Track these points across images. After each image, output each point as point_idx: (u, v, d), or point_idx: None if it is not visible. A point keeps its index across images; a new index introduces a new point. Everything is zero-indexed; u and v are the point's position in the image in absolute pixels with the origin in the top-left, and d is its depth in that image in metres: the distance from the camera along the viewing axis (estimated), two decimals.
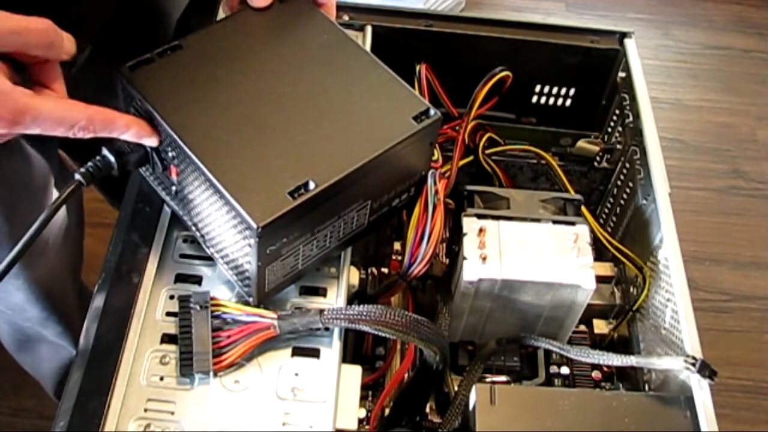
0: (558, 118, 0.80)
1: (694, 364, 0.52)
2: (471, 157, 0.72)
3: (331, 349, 0.54)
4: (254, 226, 0.46)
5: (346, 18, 0.73)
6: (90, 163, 0.53)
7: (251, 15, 0.60)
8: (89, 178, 0.53)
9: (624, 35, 0.75)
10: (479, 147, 0.72)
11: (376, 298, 0.62)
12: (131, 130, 0.50)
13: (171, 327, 0.54)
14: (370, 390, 0.65)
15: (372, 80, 0.56)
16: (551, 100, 0.79)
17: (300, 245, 0.51)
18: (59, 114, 0.46)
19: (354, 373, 0.54)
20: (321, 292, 0.57)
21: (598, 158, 0.77)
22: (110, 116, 0.49)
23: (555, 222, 0.61)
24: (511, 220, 0.60)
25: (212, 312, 0.53)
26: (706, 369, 0.52)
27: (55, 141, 0.76)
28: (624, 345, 0.67)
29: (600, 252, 0.69)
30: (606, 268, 0.68)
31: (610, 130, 0.78)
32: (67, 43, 0.47)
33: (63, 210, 0.53)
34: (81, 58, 0.63)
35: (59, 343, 0.88)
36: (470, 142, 0.72)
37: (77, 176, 0.52)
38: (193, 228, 0.56)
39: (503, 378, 0.64)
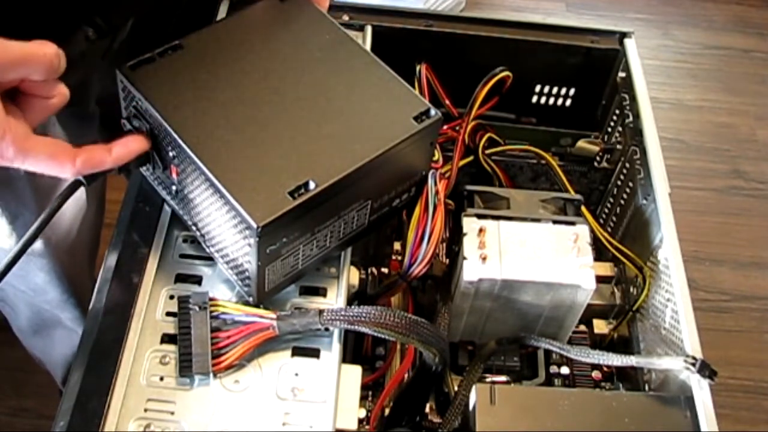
0: (558, 118, 0.80)
1: (694, 364, 0.52)
2: (471, 157, 0.72)
3: (331, 349, 0.54)
4: (254, 225, 0.46)
5: (346, 18, 0.73)
6: None
7: (251, 15, 0.60)
8: (90, 177, 0.53)
9: (624, 35, 0.75)
10: (479, 147, 0.72)
11: (376, 298, 0.62)
12: (122, 160, 0.51)
13: (171, 327, 0.54)
14: (370, 390, 0.64)
15: (373, 80, 0.56)
16: (551, 100, 0.79)
17: (300, 245, 0.51)
18: (47, 159, 0.46)
19: (354, 373, 0.54)
20: (321, 292, 0.57)
21: (598, 158, 0.77)
22: (97, 160, 0.49)
23: (555, 222, 0.61)
24: (511, 220, 0.60)
25: (211, 312, 0.53)
26: (706, 369, 0.52)
27: (94, 122, 0.76)
28: (624, 345, 0.67)
29: (600, 252, 0.69)
30: (606, 268, 0.68)
31: (610, 130, 0.78)
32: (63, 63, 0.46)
33: (82, 193, 0.53)
34: (122, 33, 0.63)
35: (74, 329, 0.88)
36: (470, 142, 0.72)
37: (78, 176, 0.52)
38: (193, 227, 0.56)
39: (503, 378, 0.64)
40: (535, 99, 0.79)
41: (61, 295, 0.81)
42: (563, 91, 0.79)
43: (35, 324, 0.90)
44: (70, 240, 0.78)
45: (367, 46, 0.71)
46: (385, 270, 0.69)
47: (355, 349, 0.66)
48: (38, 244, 0.73)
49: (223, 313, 0.53)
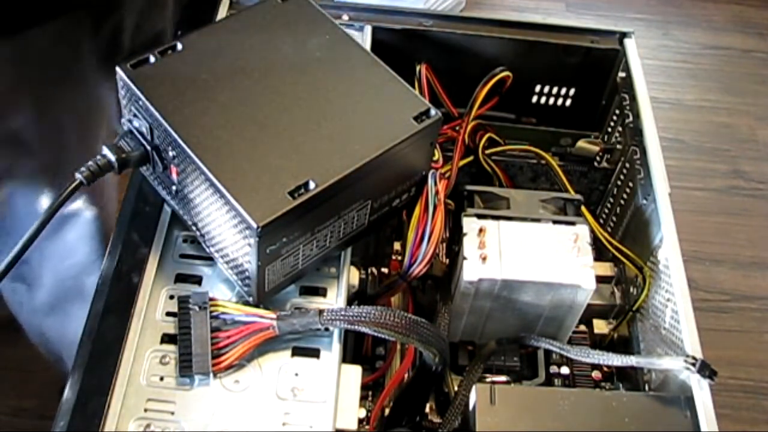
0: (558, 118, 0.80)
1: (694, 364, 0.52)
2: (471, 157, 0.72)
3: (331, 349, 0.54)
4: (254, 225, 0.46)
5: (346, 18, 0.73)
6: (90, 162, 0.53)
7: (251, 15, 0.60)
8: (90, 177, 0.53)
9: (624, 35, 0.75)
10: (479, 147, 0.72)
11: (376, 298, 0.62)
12: None
13: (171, 327, 0.54)
14: (370, 390, 0.64)
15: (372, 80, 0.56)
16: (551, 100, 0.79)
17: (300, 245, 0.51)
18: None
19: (354, 373, 0.54)
20: (321, 292, 0.57)
21: (598, 158, 0.77)
22: None
23: (555, 222, 0.61)
24: (511, 220, 0.60)
25: (211, 312, 0.53)
26: (706, 369, 0.52)
27: None
28: (624, 345, 0.67)
29: (600, 252, 0.69)
30: (606, 268, 0.68)
31: (610, 130, 0.78)
32: None
33: None
34: None
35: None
36: (470, 142, 0.72)
37: (78, 175, 0.53)
38: (193, 227, 0.56)
39: (503, 378, 0.64)
40: (535, 99, 0.79)
41: (89, 255, 0.82)
42: (563, 91, 0.78)
43: (54, 298, 0.89)
44: (106, 196, 0.78)
45: (367, 46, 0.71)
46: (385, 270, 0.69)
47: (355, 349, 0.66)
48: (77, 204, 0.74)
49: (223, 313, 0.53)
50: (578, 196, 0.64)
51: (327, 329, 0.54)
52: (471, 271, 0.57)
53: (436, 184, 0.57)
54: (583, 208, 0.63)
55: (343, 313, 0.52)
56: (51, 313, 0.93)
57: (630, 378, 0.65)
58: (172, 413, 0.50)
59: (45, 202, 0.72)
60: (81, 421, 0.49)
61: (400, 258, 0.70)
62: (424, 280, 0.68)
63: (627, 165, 0.72)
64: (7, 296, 0.92)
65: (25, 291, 0.89)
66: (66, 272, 0.85)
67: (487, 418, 0.51)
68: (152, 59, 0.54)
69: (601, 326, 0.68)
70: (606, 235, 0.66)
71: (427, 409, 0.62)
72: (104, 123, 0.75)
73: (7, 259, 0.50)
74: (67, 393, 0.50)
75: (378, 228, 0.59)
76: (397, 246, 0.72)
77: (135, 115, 0.54)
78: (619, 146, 0.75)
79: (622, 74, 0.75)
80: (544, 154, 0.73)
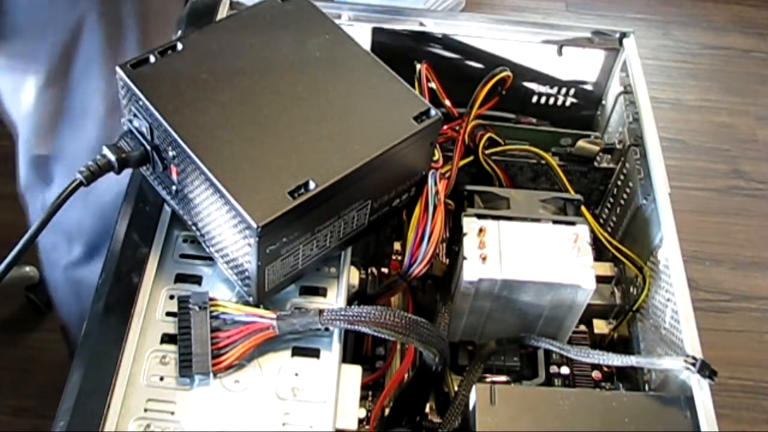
0: (558, 118, 0.80)
1: (694, 364, 0.52)
2: (471, 157, 0.72)
3: (331, 349, 0.54)
4: (254, 225, 0.46)
5: (346, 18, 0.73)
6: (90, 162, 0.53)
7: (251, 15, 0.60)
8: (90, 177, 0.53)
9: (624, 35, 0.76)
10: (479, 147, 0.72)
11: (376, 298, 0.62)
12: None
13: (171, 327, 0.54)
14: (370, 390, 0.64)
15: (372, 80, 0.56)
16: (551, 100, 0.79)
17: (300, 245, 0.52)
18: None
19: (354, 373, 0.54)
20: (321, 292, 0.57)
21: (598, 158, 0.77)
22: None
23: (555, 222, 0.61)
24: (511, 220, 0.60)
25: (211, 312, 0.53)
26: (706, 369, 0.52)
27: None
28: (624, 345, 0.67)
29: (600, 252, 0.69)
30: (606, 268, 0.68)
31: (610, 130, 0.78)
32: None
33: None
34: None
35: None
36: (470, 142, 0.72)
37: (77, 175, 0.53)
38: (194, 227, 0.56)
39: (503, 378, 0.64)
40: (535, 99, 0.79)
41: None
42: (563, 91, 0.79)
43: (96, 240, 0.87)
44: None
45: (367, 46, 0.71)
46: (385, 270, 0.69)
47: (355, 349, 0.66)
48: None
49: (223, 313, 0.53)
50: (578, 196, 0.64)
51: (327, 329, 0.54)
52: (471, 271, 0.57)
53: (436, 184, 0.57)
54: (583, 208, 0.63)
55: (343, 313, 0.52)
56: (90, 261, 0.90)
57: (630, 378, 0.65)
58: (172, 413, 0.50)
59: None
60: (81, 421, 0.49)
61: (400, 258, 0.70)
62: (424, 280, 0.68)
63: (627, 165, 0.72)
64: (46, 254, 0.90)
65: (65, 244, 0.87)
66: (105, 209, 0.83)
67: (487, 418, 0.51)
68: (152, 59, 0.54)
69: (601, 326, 0.68)
70: (606, 235, 0.66)
71: (427, 409, 0.62)
72: (168, 32, 0.75)
73: (8, 259, 0.50)
74: (67, 393, 0.50)
75: (378, 228, 0.59)
76: (397, 246, 0.72)
77: (135, 115, 0.54)
78: (619, 146, 0.75)
79: (622, 74, 0.75)
80: (544, 154, 0.73)
